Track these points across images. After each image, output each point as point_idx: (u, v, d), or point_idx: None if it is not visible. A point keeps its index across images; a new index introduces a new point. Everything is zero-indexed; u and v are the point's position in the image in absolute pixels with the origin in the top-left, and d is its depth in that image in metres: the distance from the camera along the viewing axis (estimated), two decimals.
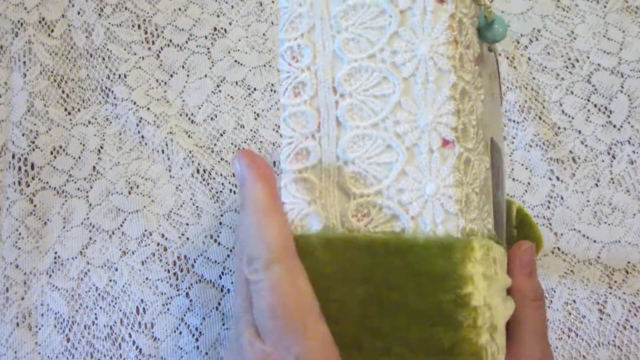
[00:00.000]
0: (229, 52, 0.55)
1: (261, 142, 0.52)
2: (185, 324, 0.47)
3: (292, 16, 0.29)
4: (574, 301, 0.46)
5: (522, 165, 0.50)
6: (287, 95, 0.29)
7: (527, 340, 0.33)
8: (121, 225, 0.50)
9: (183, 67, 0.55)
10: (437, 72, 0.26)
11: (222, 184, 0.51)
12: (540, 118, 0.51)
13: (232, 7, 0.57)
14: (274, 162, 0.51)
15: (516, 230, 0.37)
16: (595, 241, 0.48)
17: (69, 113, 0.54)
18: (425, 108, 0.26)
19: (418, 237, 0.26)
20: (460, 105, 0.26)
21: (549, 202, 0.49)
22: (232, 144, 0.52)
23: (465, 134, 0.26)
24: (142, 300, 0.48)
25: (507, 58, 0.53)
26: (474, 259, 0.25)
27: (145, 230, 0.50)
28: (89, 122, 0.54)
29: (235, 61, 0.55)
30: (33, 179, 0.52)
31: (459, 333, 0.25)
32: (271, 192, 0.27)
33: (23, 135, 0.53)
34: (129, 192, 0.51)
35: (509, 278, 0.32)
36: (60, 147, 0.53)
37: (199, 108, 0.54)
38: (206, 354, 0.47)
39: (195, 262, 0.49)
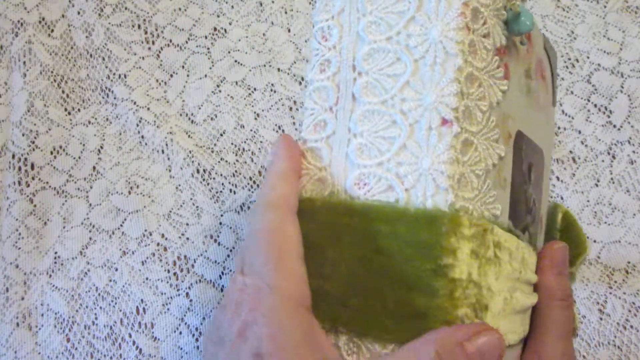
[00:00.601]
0: (229, 52, 0.55)
1: (261, 142, 0.52)
2: (185, 324, 0.47)
3: (326, 0, 0.31)
4: (574, 301, 0.46)
5: None
6: (314, 71, 0.31)
7: (548, 339, 0.34)
8: (121, 225, 0.50)
9: (183, 67, 0.55)
10: (444, 55, 0.28)
11: (222, 184, 0.51)
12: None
13: (232, 7, 0.57)
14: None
15: (560, 234, 0.38)
16: (595, 241, 0.48)
17: (69, 113, 0.54)
18: (430, 88, 0.28)
19: (409, 208, 0.27)
20: (465, 88, 0.27)
21: (549, 202, 0.49)
22: (232, 144, 0.52)
23: (469, 117, 0.28)
24: (142, 300, 0.48)
25: None
26: (460, 233, 0.27)
27: (145, 230, 0.50)
28: (89, 122, 0.54)
29: (235, 61, 0.55)
30: (33, 179, 0.52)
31: (433, 300, 0.26)
32: (293, 167, 0.30)
33: (23, 135, 0.53)
34: (129, 192, 0.51)
35: (530, 274, 0.32)
36: (60, 147, 0.53)
37: (199, 108, 0.54)
38: None
39: (195, 262, 0.49)
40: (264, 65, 0.55)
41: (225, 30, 0.56)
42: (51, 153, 0.53)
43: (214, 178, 0.51)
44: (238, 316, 0.26)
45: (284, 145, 0.31)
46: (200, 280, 0.48)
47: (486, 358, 0.26)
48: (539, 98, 0.35)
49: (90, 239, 0.50)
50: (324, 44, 0.31)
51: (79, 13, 0.57)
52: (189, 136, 0.53)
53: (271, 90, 0.54)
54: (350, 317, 0.28)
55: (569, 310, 0.34)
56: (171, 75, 0.55)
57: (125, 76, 0.55)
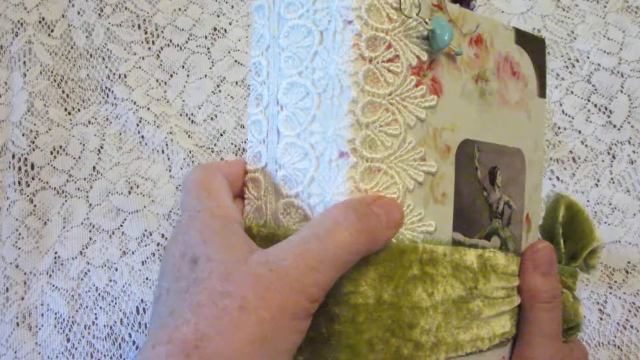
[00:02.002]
0: (229, 52, 0.55)
1: None
2: None
3: (257, 36, 0.32)
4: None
5: None
6: (251, 105, 0.33)
7: (534, 342, 0.33)
8: (121, 225, 0.50)
9: (183, 67, 0.55)
10: (339, 88, 0.29)
11: None
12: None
13: (232, 7, 0.57)
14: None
15: (563, 228, 0.38)
16: None
17: (69, 113, 0.54)
18: (331, 121, 0.29)
19: None
20: (363, 118, 0.28)
21: (552, 194, 0.49)
22: (232, 144, 0.52)
23: (372, 145, 0.29)
24: (142, 300, 0.48)
25: None
26: (360, 260, 0.28)
27: (145, 230, 0.50)
28: (89, 122, 0.54)
29: (235, 61, 0.55)
30: (33, 179, 0.52)
31: (335, 327, 0.28)
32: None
33: (23, 135, 0.53)
34: (129, 192, 0.51)
35: (499, 279, 0.32)
36: (60, 147, 0.53)
37: (199, 108, 0.54)
38: None
39: None
40: None
41: (225, 30, 0.56)
42: (51, 153, 0.53)
43: None
44: (176, 241, 0.29)
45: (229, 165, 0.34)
46: None
47: (390, 215, 0.28)
48: (507, 96, 0.35)
49: (90, 239, 0.50)
50: (257, 79, 0.32)
51: (79, 13, 0.57)
52: (189, 136, 0.53)
53: None
54: None
55: (554, 312, 0.34)
56: (171, 75, 0.55)
57: (125, 76, 0.55)
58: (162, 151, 0.52)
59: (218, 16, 0.57)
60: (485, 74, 0.33)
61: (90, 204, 0.51)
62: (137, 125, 0.53)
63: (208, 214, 0.29)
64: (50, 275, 0.49)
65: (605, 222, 0.48)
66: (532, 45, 0.36)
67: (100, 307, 0.48)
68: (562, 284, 0.36)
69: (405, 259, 0.29)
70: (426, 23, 0.30)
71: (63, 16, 0.57)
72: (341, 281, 0.28)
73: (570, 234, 0.37)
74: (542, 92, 0.37)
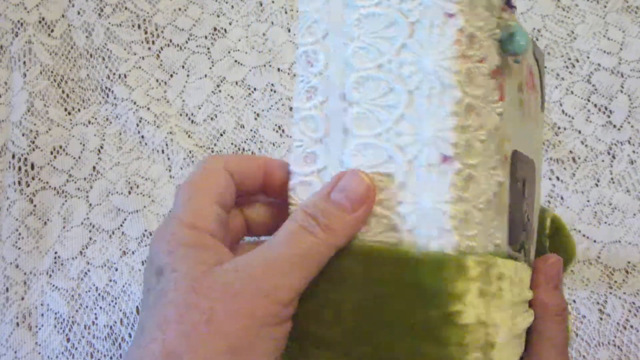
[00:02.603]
0: (229, 52, 0.55)
1: (261, 142, 0.52)
2: None
3: (310, 21, 0.29)
4: (574, 301, 0.46)
5: None
6: (300, 98, 0.29)
7: (545, 354, 0.33)
8: (121, 225, 0.50)
9: (183, 67, 0.55)
10: (441, 86, 0.26)
11: None
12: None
13: (232, 7, 0.57)
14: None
15: (549, 241, 0.37)
16: (595, 241, 0.48)
17: (69, 113, 0.54)
18: (427, 122, 0.26)
19: (412, 251, 0.26)
20: (465, 121, 0.26)
21: (549, 202, 0.49)
22: (232, 144, 0.52)
23: (469, 150, 0.26)
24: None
25: None
26: (466, 277, 0.25)
27: (145, 230, 0.50)
28: (89, 122, 0.54)
29: (235, 61, 0.55)
30: (33, 179, 0.52)
31: (444, 350, 0.25)
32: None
33: (23, 135, 0.53)
34: (129, 192, 0.51)
35: (526, 291, 0.32)
36: (60, 147, 0.53)
37: (199, 108, 0.54)
38: None
39: None
40: (264, 65, 0.55)
41: (225, 30, 0.56)
42: (51, 153, 0.53)
43: None
44: (151, 250, 0.28)
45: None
46: None
47: (353, 195, 0.26)
48: (531, 108, 0.34)
49: (90, 239, 0.50)
50: (310, 69, 0.29)
51: (79, 13, 0.57)
52: (189, 136, 0.53)
53: (271, 90, 0.54)
54: None
55: (564, 324, 0.33)
56: (171, 75, 0.55)
57: (125, 76, 0.55)
58: (162, 151, 0.52)
59: (218, 16, 0.57)
60: (522, 85, 0.32)
61: (90, 204, 0.51)
62: (137, 125, 0.53)
63: (177, 221, 0.27)
64: (50, 275, 0.49)
65: (605, 222, 0.48)
66: (539, 56, 0.35)
67: (100, 307, 0.48)
68: None
69: (491, 274, 0.26)
70: (509, 26, 0.27)
71: (63, 16, 0.57)
72: (445, 300, 0.25)
73: (554, 247, 0.37)
74: (543, 106, 0.37)
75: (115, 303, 0.48)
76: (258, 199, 0.32)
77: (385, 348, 0.26)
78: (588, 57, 0.53)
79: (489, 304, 0.26)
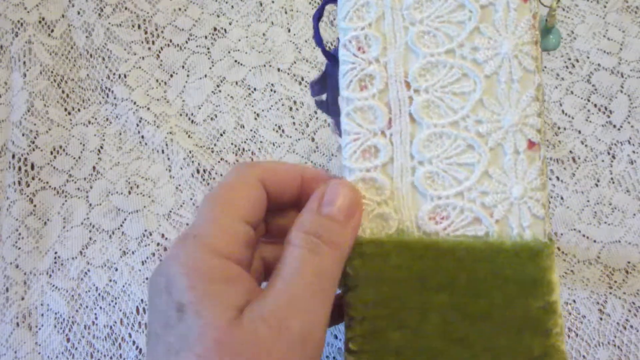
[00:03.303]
0: (229, 52, 0.55)
1: (261, 142, 0.52)
2: None
3: (358, 4, 0.27)
4: (574, 301, 0.46)
5: None
6: (351, 87, 0.27)
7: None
8: (121, 225, 0.50)
9: (183, 67, 0.55)
10: (522, 71, 0.26)
11: None
12: None
13: (232, 7, 0.57)
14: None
15: None
16: (595, 241, 0.48)
17: (69, 113, 0.54)
18: (510, 108, 0.26)
19: (505, 242, 0.25)
20: (542, 106, 0.26)
21: (549, 202, 0.49)
22: (232, 144, 0.52)
23: (545, 136, 0.26)
24: (142, 300, 0.48)
25: None
26: (554, 264, 0.25)
27: (145, 230, 0.50)
28: (89, 122, 0.54)
29: (235, 61, 0.55)
30: (33, 179, 0.52)
31: (549, 340, 0.24)
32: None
33: (23, 135, 0.53)
34: (129, 192, 0.51)
35: None
36: (60, 147, 0.53)
37: (199, 108, 0.54)
38: None
39: None
40: (264, 65, 0.55)
41: (225, 30, 0.56)
42: (51, 153, 0.53)
43: (214, 178, 0.51)
44: (162, 268, 0.25)
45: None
46: None
47: (344, 204, 0.25)
48: None
49: (90, 239, 0.50)
50: (362, 56, 0.27)
51: (79, 13, 0.57)
52: (189, 136, 0.53)
53: (271, 90, 0.54)
54: None
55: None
56: (171, 75, 0.55)
57: (125, 76, 0.55)
58: (162, 151, 0.52)
59: (218, 16, 0.57)
60: None
61: (90, 204, 0.51)
62: (137, 125, 0.53)
63: (200, 245, 0.25)
64: (50, 275, 0.49)
65: (605, 222, 0.48)
66: None
67: (100, 307, 0.48)
68: None
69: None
70: (553, 19, 0.27)
71: (63, 16, 0.57)
72: (546, 289, 0.24)
73: None
74: None
75: (115, 303, 0.48)
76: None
77: (484, 346, 0.25)
78: (588, 57, 0.53)
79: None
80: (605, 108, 0.52)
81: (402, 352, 0.25)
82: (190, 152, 0.52)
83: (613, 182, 0.49)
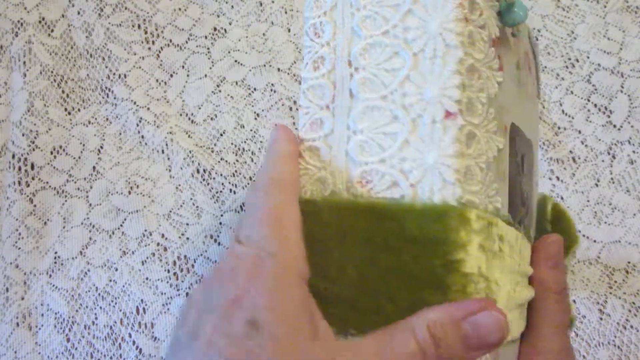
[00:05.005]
0: (229, 52, 0.55)
1: (261, 142, 0.52)
2: None
3: None
4: (574, 301, 0.46)
5: None
6: (307, 69, 0.30)
7: (545, 333, 0.33)
8: (121, 225, 0.50)
9: (183, 67, 0.55)
10: (444, 47, 0.27)
11: (222, 184, 0.51)
12: (540, 118, 0.51)
13: (232, 7, 0.57)
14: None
15: (550, 225, 0.38)
16: (595, 241, 0.48)
17: (69, 113, 0.54)
18: (432, 82, 0.27)
19: (415, 204, 0.27)
20: (467, 80, 0.27)
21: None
22: (232, 144, 0.52)
23: (471, 109, 0.27)
24: (142, 300, 0.48)
25: None
26: (469, 228, 0.26)
27: (145, 230, 0.50)
28: (89, 122, 0.54)
29: (235, 61, 0.55)
30: (33, 179, 0.52)
31: (446, 297, 0.26)
32: (294, 149, 0.30)
33: (23, 135, 0.53)
34: (129, 192, 0.51)
35: (527, 266, 0.32)
36: (60, 147, 0.53)
37: (199, 108, 0.54)
38: None
39: (195, 262, 0.49)
40: (264, 65, 0.55)
41: (225, 30, 0.56)
42: (51, 153, 0.53)
43: (214, 178, 0.51)
44: (233, 282, 0.24)
45: (283, 130, 0.31)
46: (200, 280, 0.48)
47: (485, 339, 0.25)
48: (528, 89, 0.35)
49: (90, 239, 0.50)
50: (317, 40, 0.30)
51: (79, 13, 0.57)
52: (189, 136, 0.53)
53: (271, 90, 0.54)
54: (361, 320, 0.27)
55: (564, 303, 0.34)
56: (171, 75, 0.55)
57: (125, 76, 0.55)
58: (162, 151, 0.52)
59: (218, 16, 0.57)
60: (519, 63, 0.33)
61: (90, 204, 0.51)
62: (137, 125, 0.53)
63: (281, 267, 0.25)
64: (50, 275, 0.49)
65: (605, 222, 0.48)
66: (534, 43, 0.37)
67: (100, 307, 0.48)
68: None
69: (492, 232, 0.27)
70: None
71: (63, 16, 0.57)
72: (450, 246, 0.26)
73: (557, 232, 0.38)
74: (539, 93, 0.38)
75: (115, 303, 0.48)
76: None
77: (388, 298, 0.27)
78: (588, 57, 0.53)
79: (490, 260, 0.27)
80: (605, 108, 0.52)
81: (326, 301, 0.27)
82: (190, 152, 0.52)
83: (613, 182, 0.49)
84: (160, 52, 0.56)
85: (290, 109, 0.53)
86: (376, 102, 0.28)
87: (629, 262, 0.47)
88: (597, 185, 0.50)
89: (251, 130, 0.53)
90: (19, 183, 0.52)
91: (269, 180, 0.28)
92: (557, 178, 0.50)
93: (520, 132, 0.33)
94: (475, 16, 0.28)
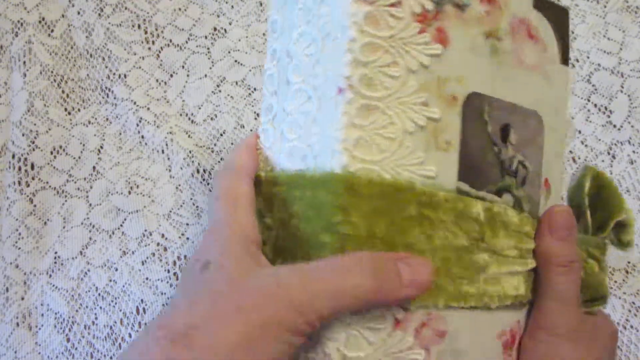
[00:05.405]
0: (229, 52, 0.55)
1: None
2: None
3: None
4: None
5: None
6: (267, 60, 0.35)
7: (548, 307, 0.33)
8: (121, 225, 0.50)
9: (183, 67, 0.55)
10: (341, 28, 0.30)
11: None
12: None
13: (232, 7, 0.57)
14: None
15: (589, 199, 0.37)
16: None
17: (69, 113, 0.54)
18: (331, 62, 0.30)
19: (315, 174, 0.30)
20: (363, 57, 0.29)
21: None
22: (232, 144, 0.52)
23: (370, 84, 0.29)
24: (142, 300, 0.48)
25: None
26: (354, 192, 0.29)
27: (145, 230, 0.50)
28: (89, 122, 0.54)
29: (235, 61, 0.55)
30: (33, 179, 0.52)
31: (323, 253, 0.29)
32: (251, 143, 0.36)
33: (23, 135, 0.53)
34: (129, 192, 0.51)
35: (508, 238, 0.32)
36: (60, 147, 0.53)
37: (199, 108, 0.54)
38: None
39: None
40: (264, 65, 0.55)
41: (225, 30, 0.56)
42: (51, 153, 0.53)
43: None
44: (199, 248, 0.31)
45: (249, 137, 0.36)
46: None
47: (415, 279, 0.28)
48: (522, 57, 0.34)
49: (90, 239, 0.50)
50: (272, 35, 0.34)
51: (79, 13, 0.57)
52: (189, 136, 0.53)
53: None
54: None
55: (571, 275, 0.33)
56: (171, 75, 0.55)
57: (125, 76, 0.55)
58: (162, 151, 0.52)
59: (218, 16, 0.57)
60: (498, 33, 0.33)
61: (90, 204, 0.51)
62: (137, 125, 0.53)
63: (229, 229, 0.31)
64: (50, 275, 0.49)
65: None
66: (553, 12, 0.36)
67: (100, 307, 0.48)
68: (588, 254, 0.35)
69: (401, 197, 0.29)
70: None
71: (63, 16, 0.57)
72: (330, 209, 0.29)
73: (597, 205, 0.37)
74: (564, 60, 0.37)
75: (115, 303, 0.48)
76: None
77: (294, 259, 0.31)
78: (588, 57, 0.53)
79: (398, 224, 0.29)
80: (605, 108, 0.52)
81: (265, 244, 0.33)
82: (190, 152, 0.52)
83: None
84: (160, 52, 0.56)
85: None
86: (299, 85, 0.32)
87: (629, 262, 0.47)
88: None
89: (251, 130, 0.53)
90: (19, 183, 0.52)
91: (222, 167, 0.34)
92: None
93: (497, 101, 0.33)
94: None
